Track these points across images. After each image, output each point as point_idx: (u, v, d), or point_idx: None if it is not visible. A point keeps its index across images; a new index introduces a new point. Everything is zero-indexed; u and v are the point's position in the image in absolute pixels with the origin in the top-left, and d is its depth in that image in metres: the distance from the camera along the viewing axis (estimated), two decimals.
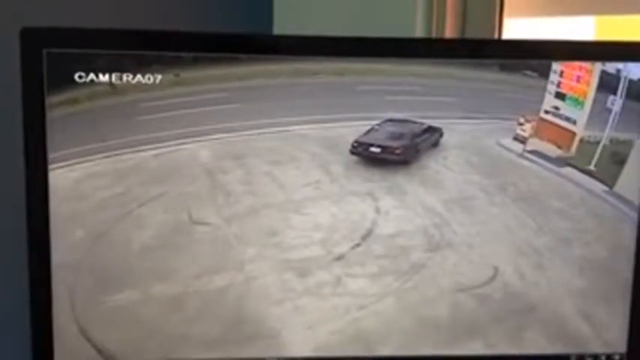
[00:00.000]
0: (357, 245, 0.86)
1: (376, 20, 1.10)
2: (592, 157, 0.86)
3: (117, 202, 0.81)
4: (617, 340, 0.89)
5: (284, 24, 1.16)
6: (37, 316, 0.81)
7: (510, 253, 0.87)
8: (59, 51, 0.78)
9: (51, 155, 0.79)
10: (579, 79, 0.85)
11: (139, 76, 0.79)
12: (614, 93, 0.85)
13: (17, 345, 0.83)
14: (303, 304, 0.85)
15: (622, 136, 0.86)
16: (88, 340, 0.82)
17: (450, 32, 1.14)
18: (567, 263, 0.88)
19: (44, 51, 0.77)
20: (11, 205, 0.83)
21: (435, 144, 0.85)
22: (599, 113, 0.85)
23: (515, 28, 1.17)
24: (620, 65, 0.84)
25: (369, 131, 0.85)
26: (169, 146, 0.82)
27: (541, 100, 0.85)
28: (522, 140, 0.86)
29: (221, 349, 0.85)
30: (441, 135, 0.85)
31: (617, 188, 0.87)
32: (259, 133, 0.83)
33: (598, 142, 0.86)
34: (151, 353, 0.84)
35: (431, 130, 0.85)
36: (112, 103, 0.79)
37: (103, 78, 0.79)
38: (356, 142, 0.85)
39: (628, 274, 0.88)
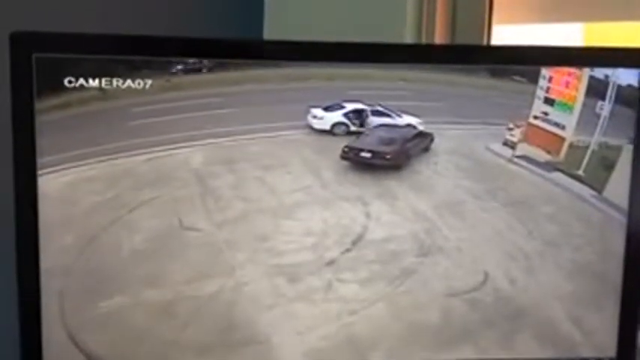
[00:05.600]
0: (348, 250, 0.85)
1: (366, 26, 1.10)
2: (581, 162, 0.87)
3: (107, 207, 0.80)
4: (607, 344, 0.89)
5: (275, 29, 1.16)
6: (25, 322, 0.80)
7: (500, 257, 0.88)
8: (49, 56, 0.77)
9: (40, 160, 0.78)
10: (568, 84, 0.85)
11: (129, 81, 0.79)
12: (603, 98, 0.85)
13: (6, 352, 0.83)
14: (293, 309, 0.85)
15: (611, 141, 0.86)
16: (78, 346, 0.82)
17: (439, 39, 1.15)
18: (557, 268, 0.88)
19: (34, 56, 0.77)
20: (0, 210, 0.83)
21: (426, 149, 0.86)
22: (588, 118, 0.86)
23: (504, 34, 1.17)
24: (608, 71, 0.85)
25: (359, 136, 0.85)
26: (160, 151, 0.81)
27: (530, 106, 0.86)
28: (512, 145, 0.87)
29: (211, 355, 0.84)
30: (432, 140, 0.85)
31: (605, 193, 0.88)
32: (250, 138, 0.83)
33: (587, 148, 0.86)
34: (141, 359, 0.83)
35: (422, 135, 0.85)
36: (102, 108, 0.79)
37: (93, 83, 0.78)
38: (347, 147, 0.85)
39: (617, 279, 0.88)
